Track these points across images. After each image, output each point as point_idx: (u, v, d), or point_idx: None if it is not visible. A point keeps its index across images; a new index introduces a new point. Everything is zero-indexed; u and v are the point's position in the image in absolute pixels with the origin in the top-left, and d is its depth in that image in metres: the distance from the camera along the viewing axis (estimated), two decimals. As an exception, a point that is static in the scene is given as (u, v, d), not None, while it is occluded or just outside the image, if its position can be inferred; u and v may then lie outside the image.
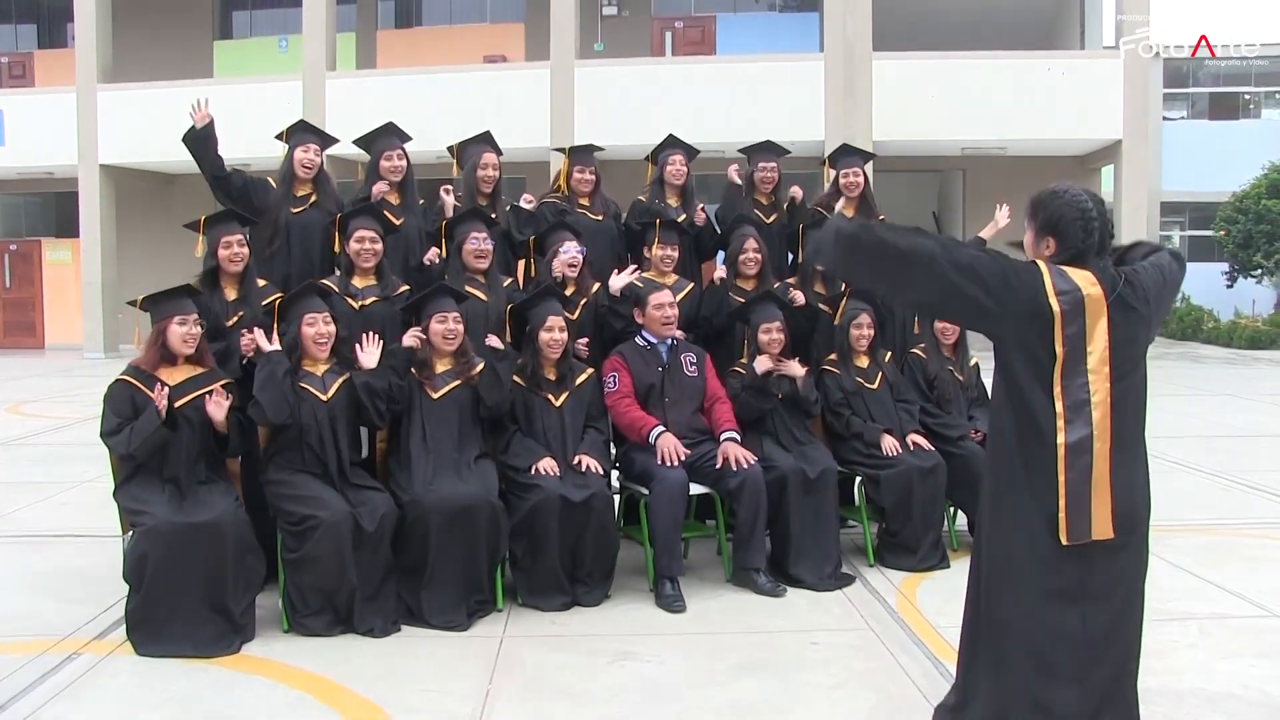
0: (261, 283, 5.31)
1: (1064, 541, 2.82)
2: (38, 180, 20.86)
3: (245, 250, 5.19)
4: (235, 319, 5.13)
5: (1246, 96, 26.37)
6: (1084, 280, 2.83)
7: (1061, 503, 2.81)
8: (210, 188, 5.69)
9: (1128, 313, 2.86)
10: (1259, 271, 21.70)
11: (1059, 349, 2.81)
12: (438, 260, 5.62)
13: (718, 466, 5.26)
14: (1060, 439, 2.81)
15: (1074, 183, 2.98)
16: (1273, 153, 23.05)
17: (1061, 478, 2.81)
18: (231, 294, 5.20)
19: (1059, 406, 2.81)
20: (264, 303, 5.15)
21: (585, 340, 5.63)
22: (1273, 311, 21.61)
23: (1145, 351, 2.97)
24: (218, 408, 4.61)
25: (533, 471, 4.99)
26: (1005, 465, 2.95)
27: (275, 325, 4.94)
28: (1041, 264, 2.87)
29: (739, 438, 5.39)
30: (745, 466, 5.22)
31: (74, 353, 19.38)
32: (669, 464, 5.14)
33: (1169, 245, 3.16)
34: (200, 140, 5.55)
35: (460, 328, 5.10)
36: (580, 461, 5.09)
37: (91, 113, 18.80)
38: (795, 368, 5.60)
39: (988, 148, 17.97)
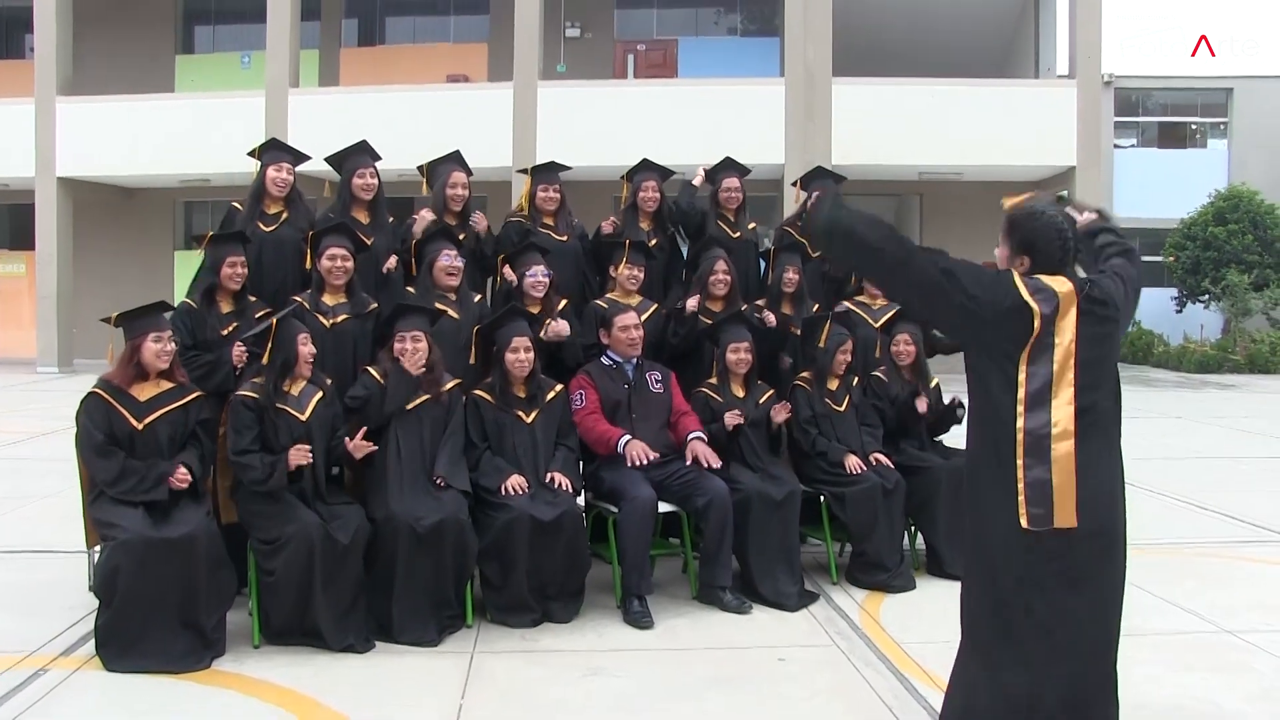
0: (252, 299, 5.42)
1: (1023, 526, 2.92)
2: (-8, 191, 20.56)
3: (245, 271, 5.34)
4: (230, 329, 5.22)
5: (1193, 126, 26.94)
6: (1055, 282, 3.02)
7: (1020, 487, 2.93)
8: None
9: (1094, 306, 3.03)
10: (1206, 297, 22.16)
11: (1029, 341, 2.94)
12: (395, 267, 5.71)
13: (687, 463, 5.38)
14: (1020, 424, 2.94)
15: (1044, 199, 3.15)
16: (1219, 181, 23.66)
17: (1019, 463, 2.93)
18: (227, 308, 5.33)
19: (1021, 393, 2.95)
20: (257, 316, 5.25)
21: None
22: (1220, 336, 22.04)
23: (1116, 352, 3.13)
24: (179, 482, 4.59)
25: (502, 491, 5.03)
26: (980, 458, 3.08)
27: (270, 344, 4.83)
28: (1013, 270, 3.05)
29: (706, 439, 5.48)
30: (714, 466, 5.33)
31: (26, 366, 19.08)
32: (640, 464, 5.22)
33: (1125, 241, 3.29)
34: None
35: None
36: (553, 479, 5.15)
37: (50, 124, 18.53)
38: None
39: (944, 172, 18.26)
